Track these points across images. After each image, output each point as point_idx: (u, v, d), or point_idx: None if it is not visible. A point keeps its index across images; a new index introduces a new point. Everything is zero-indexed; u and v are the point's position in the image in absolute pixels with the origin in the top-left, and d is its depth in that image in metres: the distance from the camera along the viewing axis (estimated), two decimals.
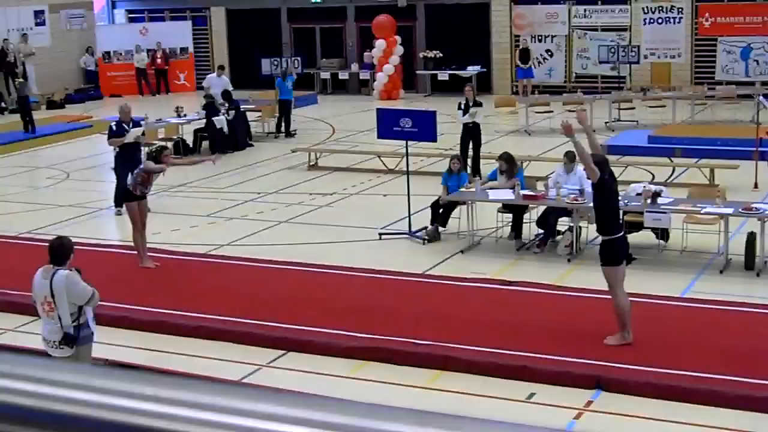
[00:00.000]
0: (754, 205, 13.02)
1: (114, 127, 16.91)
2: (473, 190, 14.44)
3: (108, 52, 34.68)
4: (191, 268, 13.66)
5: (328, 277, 12.97)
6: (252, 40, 33.47)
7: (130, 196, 13.34)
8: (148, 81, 34.24)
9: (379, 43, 30.93)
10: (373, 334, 10.68)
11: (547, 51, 30.40)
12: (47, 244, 8.85)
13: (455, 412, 1.04)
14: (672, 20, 28.61)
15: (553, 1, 30.09)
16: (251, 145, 23.60)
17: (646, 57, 28.23)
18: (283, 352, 10.64)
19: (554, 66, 30.39)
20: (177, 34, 35.02)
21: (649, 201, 13.10)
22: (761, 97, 18.31)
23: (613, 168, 10.56)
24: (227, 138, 22.70)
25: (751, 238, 12.75)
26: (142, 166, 13.40)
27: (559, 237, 14.00)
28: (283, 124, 24.83)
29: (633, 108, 25.40)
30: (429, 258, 13.82)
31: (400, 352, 10.27)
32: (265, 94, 26.97)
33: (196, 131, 23.03)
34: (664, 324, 10.74)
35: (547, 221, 13.96)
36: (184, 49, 35.14)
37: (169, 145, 22.29)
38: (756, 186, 16.72)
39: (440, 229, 14.75)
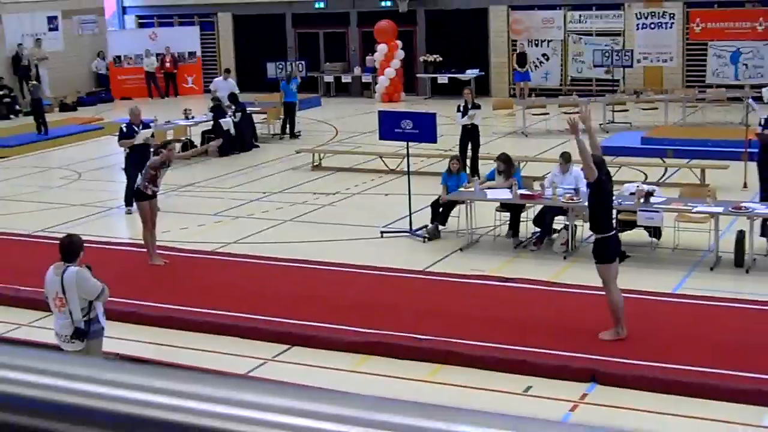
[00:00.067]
0: (743, 204, 13.01)
1: (124, 129, 16.94)
2: (472, 189, 14.43)
3: (119, 57, 34.68)
4: (199, 265, 13.65)
5: (332, 274, 12.97)
6: (258, 44, 33.46)
7: (142, 196, 13.34)
8: (158, 84, 34.23)
9: (381, 48, 30.92)
10: (376, 329, 10.68)
11: (544, 55, 30.39)
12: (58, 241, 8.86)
13: (455, 405, 1.04)
14: (664, 25, 28.60)
15: (549, 6, 30.08)
16: (257, 146, 23.60)
17: (639, 61, 28.20)
18: (288, 346, 10.64)
19: (550, 69, 30.38)
20: (185, 39, 35.02)
21: (642, 200, 13.09)
22: (750, 100, 18.31)
23: (607, 168, 10.55)
24: (234, 139, 22.69)
25: (740, 236, 12.74)
26: (148, 164, 13.42)
27: (555, 235, 13.99)
28: (287, 125, 24.84)
29: (626, 110, 25.40)
30: (429, 255, 13.82)
31: (401, 346, 10.27)
32: (270, 96, 26.98)
33: (203, 133, 23.02)
34: (657, 319, 10.73)
35: (544, 220, 13.96)
36: (192, 54, 35.13)
37: (177, 145, 22.40)
38: (745, 186, 16.71)
39: (440, 227, 14.74)
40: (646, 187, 13.56)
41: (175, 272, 13.21)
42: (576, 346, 9.98)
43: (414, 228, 14.84)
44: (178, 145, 16.08)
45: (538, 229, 14.11)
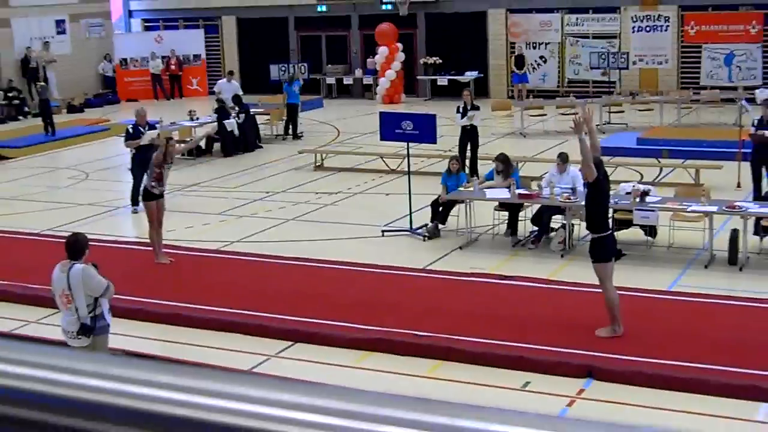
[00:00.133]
0: (737, 204, 13.01)
1: (131, 130, 16.96)
2: (471, 189, 14.44)
3: (125, 59, 34.67)
4: (203, 263, 13.65)
5: (333, 272, 12.96)
6: (261, 47, 33.46)
7: (150, 196, 13.35)
8: (163, 86, 34.22)
9: (382, 50, 30.91)
10: (377, 326, 10.68)
11: (541, 57, 30.38)
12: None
13: (455, 400, 1.03)
14: (659, 28, 28.59)
15: (546, 10, 30.06)
16: (260, 147, 23.59)
17: (634, 63, 28.20)
18: (291, 343, 10.64)
19: (548, 71, 30.36)
20: (190, 42, 35.02)
21: (637, 200, 13.09)
22: (743, 101, 18.31)
23: (605, 168, 10.53)
24: (238, 140, 22.70)
25: (734, 234, 12.74)
26: (151, 162, 13.41)
27: (552, 234, 13.99)
28: (290, 126, 24.83)
29: (622, 111, 25.39)
30: (429, 254, 13.82)
31: (402, 343, 10.27)
32: (273, 98, 26.96)
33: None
34: (652, 316, 10.73)
35: (541, 219, 13.96)
36: (196, 56, 35.14)
37: (181, 146, 22.39)
38: (739, 185, 16.70)
39: (440, 226, 14.74)
40: (641, 187, 13.56)
41: (180, 270, 13.21)
42: (573, 342, 9.99)
43: (414, 227, 14.84)
44: (181, 146, 16.03)
45: (536, 228, 14.11)
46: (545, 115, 25.96)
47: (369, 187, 18.58)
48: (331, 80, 33.08)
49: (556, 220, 13.99)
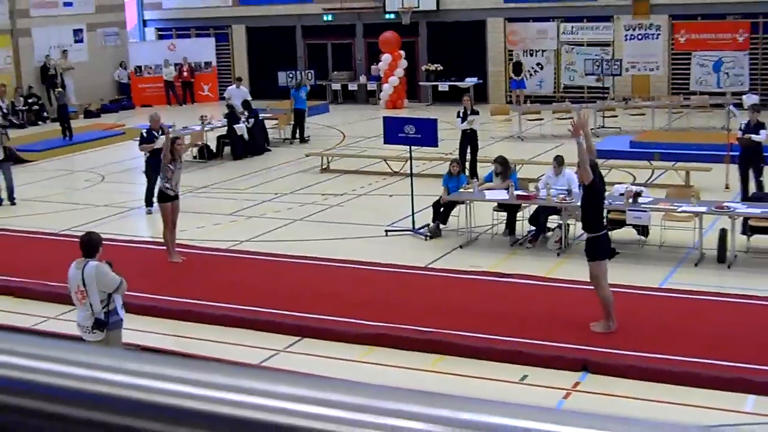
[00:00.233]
0: (725, 204, 13.01)
1: (145, 134, 16.98)
2: (471, 190, 14.43)
3: (139, 66, 34.69)
4: (214, 262, 13.64)
5: (339, 270, 12.96)
6: (270, 54, 33.46)
7: (165, 197, 13.35)
8: (176, 92, 34.24)
9: (385, 57, 30.90)
10: (381, 322, 10.67)
11: (538, 64, 30.36)
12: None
13: (457, 393, 1.03)
14: (651, 36, 28.57)
15: (543, 19, 30.04)
16: (269, 150, 23.59)
17: (627, 70, 28.16)
18: (299, 338, 10.64)
19: (544, 78, 30.34)
20: (201, 50, 35.03)
21: (630, 200, 13.08)
22: (731, 107, 18.27)
23: (600, 171, 10.51)
24: (247, 144, 22.70)
25: (723, 234, 12.73)
26: (162, 161, 13.41)
27: (549, 233, 13.98)
28: (297, 131, 24.83)
29: (616, 116, 25.35)
30: (431, 253, 13.81)
31: (405, 338, 10.26)
32: (281, 103, 26.97)
33: (219, 137, 23.03)
34: (645, 312, 10.72)
35: (539, 219, 13.95)
36: (208, 63, 35.15)
37: (194, 150, 22.42)
38: (727, 187, 16.69)
39: (441, 226, 14.73)
40: (634, 188, 13.55)
41: (192, 268, 13.21)
42: (569, 337, 9.97)
43: (417, 227, 14.83)
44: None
45: (533, 228, 14.10)
46: (542, 119, 25.91)
47: (373, 189, 18.57)
48: (336, 86, 33.09)
49: (553, 220, 13.97)
